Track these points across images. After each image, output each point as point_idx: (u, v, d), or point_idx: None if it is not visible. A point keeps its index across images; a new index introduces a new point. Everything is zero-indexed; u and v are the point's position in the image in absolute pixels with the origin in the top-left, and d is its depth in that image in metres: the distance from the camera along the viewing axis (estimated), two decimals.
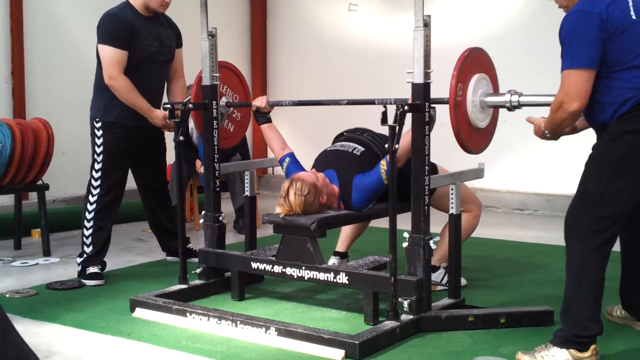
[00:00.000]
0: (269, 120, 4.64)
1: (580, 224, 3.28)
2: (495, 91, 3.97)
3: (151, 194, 5.25)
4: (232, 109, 4.89)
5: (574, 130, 3.61)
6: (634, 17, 3.22)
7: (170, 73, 5.16)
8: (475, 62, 3.84)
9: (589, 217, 3.26)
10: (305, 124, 8.77)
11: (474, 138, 3.87)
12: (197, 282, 4.55)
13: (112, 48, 4.78)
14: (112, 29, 4.81)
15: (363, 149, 4.38)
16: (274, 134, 4.64)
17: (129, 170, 5.15)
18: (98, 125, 4.92)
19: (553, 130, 3.42)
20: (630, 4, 3.25)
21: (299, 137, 8.56)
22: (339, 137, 4.64)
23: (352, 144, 4.44)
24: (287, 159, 4.53)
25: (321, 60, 8.94)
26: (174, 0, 5.10)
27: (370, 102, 4.26)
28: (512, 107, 3.81)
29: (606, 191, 3.23)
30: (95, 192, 4.89)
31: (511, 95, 3.78)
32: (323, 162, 4.42)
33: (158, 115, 4.91)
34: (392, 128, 3.59)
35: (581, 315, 3.26)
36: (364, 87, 8.44)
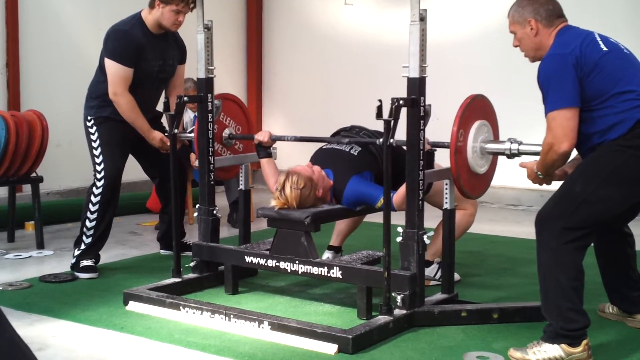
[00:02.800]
0: (270, 155, 4.61)
1: (555, 219, 3.29)
2: (496, 137, 4.03)
3: (161, 186, 5.25)
4: (234, 140, 4.89)
5: (565, 175, 3.63)
6: (604, 48, 3.34)
7: (169, 87, 5.16)
8: (477, 109, 3.88)
9: (565, 214, 3.27)
10: (300, 119, 8.76)
11: (472, 183, 3.93)
12: (191, 275, 4.54)
13: (119, 65, 4.79)
14: (121, 46, 4.81)
15: (360, 148, 4.39)
16: (272, 170, 4.59)
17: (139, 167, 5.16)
18: (90, 123, 4.94)
19: (545, 172, 3.48)
20: (598, 38, 3.38)
21: (294, 132, 8.57)
22: (335, 136, 4.63)
23: (354, 144, 4.45)
24: None
25: (317, 54, 8.92)
26: None
27: (371, 143, 4.29)
28: (511, 155, 3.87)
29: (592, 195, 3.26)
30: (99, 183, 4.88)
31: (511, 143, 3.85)
32: (320, 160, 4.42)
33: (156, 137, 4.94)
34: (387, 122, 3.59)
35: (564, 306, 3.25)
36: (360, 81, 8.43)
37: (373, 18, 8.46)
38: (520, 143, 3.84)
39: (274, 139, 4.60)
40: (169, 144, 4.78)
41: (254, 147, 4.67)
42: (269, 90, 9.18)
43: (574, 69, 3.25)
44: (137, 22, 4.89)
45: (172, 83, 5.15)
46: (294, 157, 4.57)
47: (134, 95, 4.86)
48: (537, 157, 3.52)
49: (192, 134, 4.78)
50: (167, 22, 4.84)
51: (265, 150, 4.59)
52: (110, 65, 4.83)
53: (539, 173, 3.51)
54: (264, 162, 4.60)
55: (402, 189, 3.92)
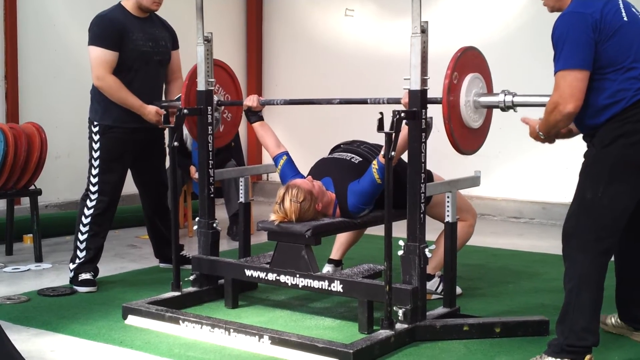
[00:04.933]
0: (261, 119, 4.61)
1: (582, 233, 3.25)
2: (490, 92, 3.94)
3: (150, 198, 5.22)
4: (223, 108, 4.84)
5: (570, 133, 3.58)
6: (625, 18, 3.24)
7: (168, 74, 5.15)
8: (469, 61, 3.81)
9: (589, 225, 3.24)
10: (301, 130, 8.74)
11: (465, 136, 3.82)
12: (191, 289, 4.51)
13: (99, 49, 4.76)
14: (100, 29, 4.80)
15: (361, 159, 4.37)
16: (267, 131, 4.62)
17: (129, 174, 5.13)
18: (95, 129, 4.89)
19: (547, 132, 3.40)
20: (621, 5, 3.28)
21: (294, 142, 8.54)
22: (336, 149, 4.61)
23: (349, 154, 4.44)
24: (284, 158, 4.50)
25: (318, 66, 8.91)
26: (170, 4, 5.07)
27: (363, 102, 4.27)
28: (505, 108, 3.77)
29: (604, 197, 3.22)
30: (93, 197, 4.86)
31: (505, 95, 3.75)
32: (320, 169, 4.41)
33: (151, 110, 4.85)
34: (388, 135, 3.57)
35: (579, 325, 3.23)
36: (360, 93, 8.39)
37: (373, 29, 8.45)
38: (514, 95, 3.72)
39: (263, 103, 4.58)
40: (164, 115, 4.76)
41: (244, 114, 4.65)
42: None
43: (592, 31, 3.17)
44: (118, 8, 4.92)
45: (170, 68, 5.13)
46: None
47: (133, 83, 4.82)
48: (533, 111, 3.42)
49: (180, 102, 4.70)
50: (147, 1, 4.85)
51: (256, 114, 4.59)
52: (91, 51, 4.79)
53: (540, 133, 3.43)
54: (257, 125, 4.60)
55: (401, 135, 3.72)
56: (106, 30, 4.79)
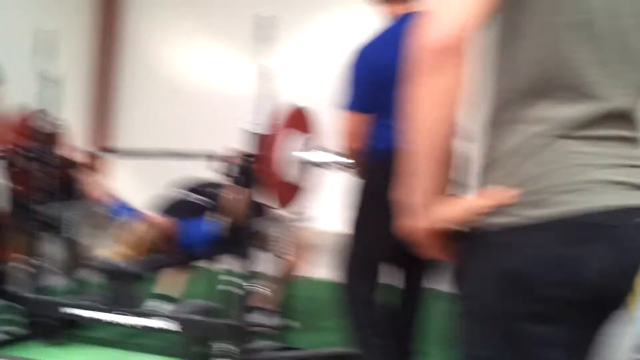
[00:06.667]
0: None
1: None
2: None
3: None
4: None
5: None
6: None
7: None
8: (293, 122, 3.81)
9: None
10: (146, 172, 8.59)
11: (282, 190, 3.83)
12: (8, 328, 4.27)
13: None
14: None
15: (205, 199, 4.46)
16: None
17: None
18: None
19: None
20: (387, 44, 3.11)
21: (144, 177, 8.40)
22: (185, 189, 4.67)
23: (195, 194, 4.52)
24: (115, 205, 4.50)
25: (165, 103, 8.81)
26: None
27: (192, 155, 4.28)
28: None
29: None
30: None
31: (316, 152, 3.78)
32: (167, 208, 4.45)
33: None
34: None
35: None
36: (211, 128, 8.26)
37: (219, 66, 8.47)
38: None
39: None
40: None
41: None
42: (121, 142, 8.98)
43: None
44: None
45: None
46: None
47: None
48: None
49: None
50: None
51: None
52: None
53: None
54: None
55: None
56: None
